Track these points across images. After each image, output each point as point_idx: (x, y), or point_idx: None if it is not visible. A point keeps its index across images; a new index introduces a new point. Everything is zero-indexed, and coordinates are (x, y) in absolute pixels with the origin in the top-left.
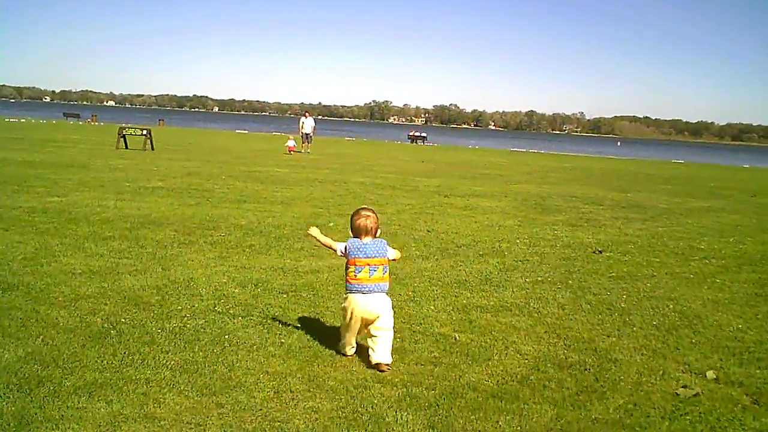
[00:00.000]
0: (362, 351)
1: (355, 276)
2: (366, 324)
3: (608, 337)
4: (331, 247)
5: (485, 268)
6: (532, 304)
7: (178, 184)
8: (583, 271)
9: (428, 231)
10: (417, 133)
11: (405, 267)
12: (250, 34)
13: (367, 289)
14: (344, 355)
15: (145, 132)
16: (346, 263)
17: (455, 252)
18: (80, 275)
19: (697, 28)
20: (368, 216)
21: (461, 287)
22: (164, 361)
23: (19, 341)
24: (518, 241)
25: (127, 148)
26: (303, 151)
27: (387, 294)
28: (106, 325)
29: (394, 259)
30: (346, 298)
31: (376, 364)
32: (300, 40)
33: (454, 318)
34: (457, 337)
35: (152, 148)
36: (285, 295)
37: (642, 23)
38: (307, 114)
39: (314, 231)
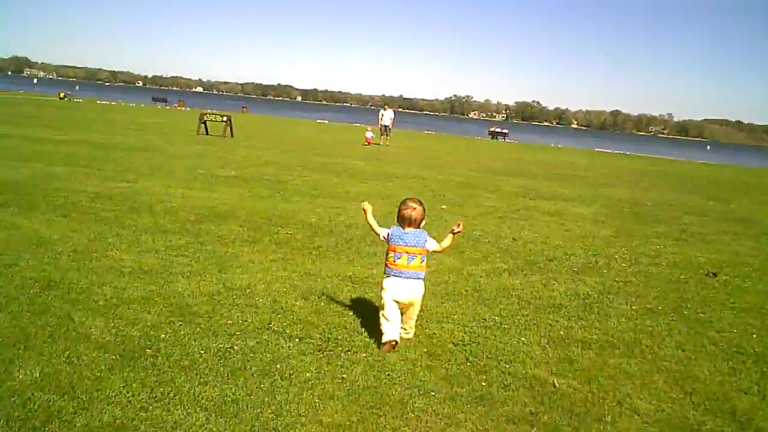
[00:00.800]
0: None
1: (394, 262)
2: (403, 307)
3: (746, 394)
4: (374, 231)
5: (582, 288)
6: (643, 341)
7: (252, 173)
8: (698, 299)
9: (514, 239)
10: (498, 129)
11: (489, 282)
12: (335, 26)
13: (404, 275)
14: (381, 346)
15: (225, 119)
16: (387, 248)
17: (545, 266)
18: (129, 274)
19: None
20: (414, 208)
21: (556, 313)
22: (200, 397)
23: (42, 357)
24: (617, 256)
25: (207, 134)
26: (382, 143)
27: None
28: (142, 341)
29: (436, 251)
30: (384, 282)
31: (391, 341)
32: (383, 33)
33: (550, 355)
34: (557, 384)
35: (231, 135)
36: (352, 313)
37: (734, 22)
38: (387, 106)
39: (368, 207)
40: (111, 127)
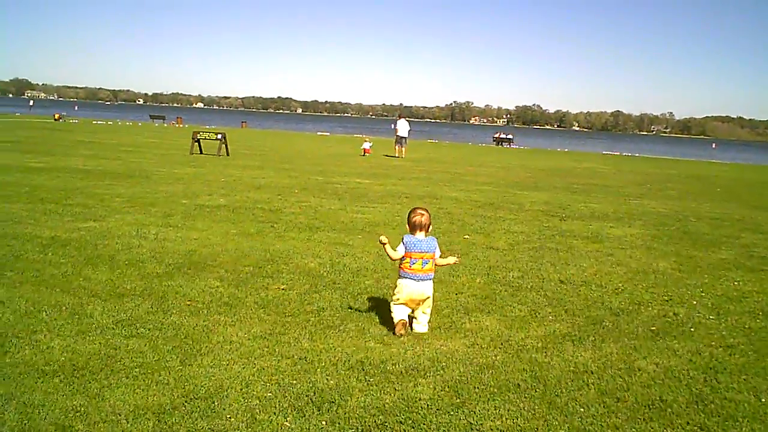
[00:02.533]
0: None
1: (410, 267)
2: (417, 304)
3: None
4: (393, 258)
5: (676, 365)
6: None
7: (243, 201)
8: None
9: (561, 282)
10: (502, 135)
11: (551, 361)
12: (334, 37)
13: (419, 278)
14: (394, 331)
15: (219, 136)
16: (402, 255)
17: (614, 325)
18: (51, 377)
19: None
20: (423, 214)
21: (659, 418)
22: None
23: None
24: (695, 302)
25: (201, 153)
26: (398, 155)
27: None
28: None
29: (444, 264)
30: (399, 283)
31: (417, 333)
32: (382, 42)
33: None
34: None
35: (227, 153)
36: None
37: (731, 19)
38: (401, 116)
39: (385, 240)
40: (100, 149)
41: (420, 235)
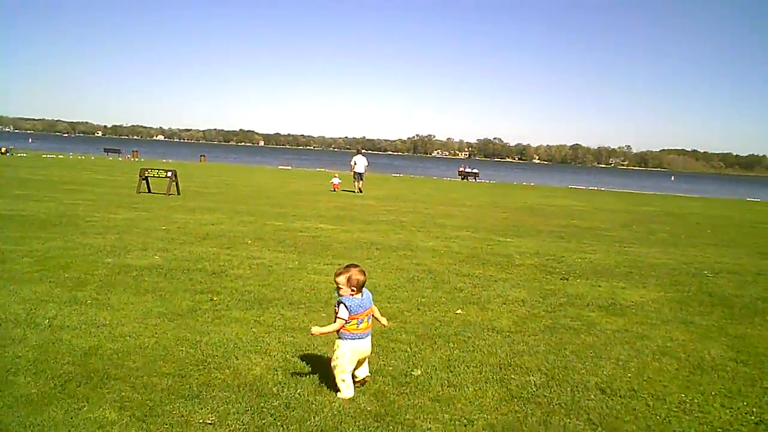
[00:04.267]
0: None
1: (357, 327)
2: (361, 362)
3: None
4: (336, 330)
5: None
6: None
7: (182, 258)
8: None
9: (602, 392)
10: (468, 170)
11: None
12: (296, 70)
13: (365, 335)
14: (348, 395)
15: (169, 173)
16: (347, 319)
17: None
18: None
19: (745, 57)
20: (362, 270)
21: None
22: None
23: None
24: None
25: (149, 191)
26: (355, 190)
27: None
28: None
29: (377, 318)
30: (345, 345)
31: (362, 379)
32: (344, 75)
33: None
34: None
35: (177, 192)
36: None
37: (687, 55)
38: (359, 151)
39: (316, 330)
40: (36, 188)
41: (360, 294)
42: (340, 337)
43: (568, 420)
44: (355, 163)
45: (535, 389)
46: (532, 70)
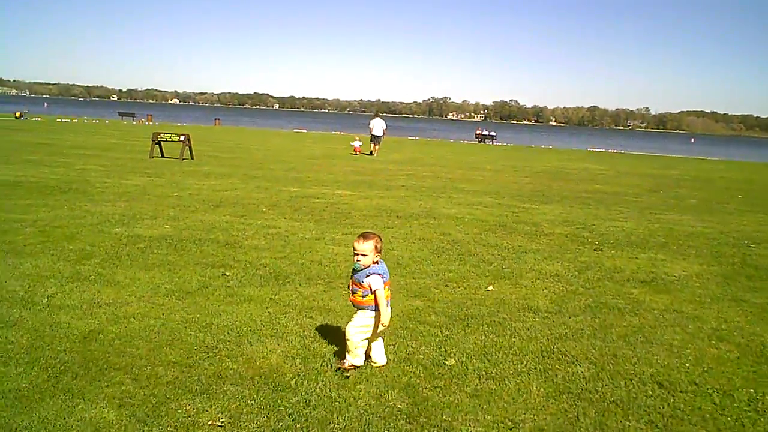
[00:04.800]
0: None
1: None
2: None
3: None
4: (385, 307)
5: None
6: None
7: (194, 228)
8: None
9: (660, 386)
10: (485, 132)
11: None
12: (312, 32)
13: (388, 304)
14: (360, 363)
15: (182, 138)
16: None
17: None
18: None
19: (766, 16)
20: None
21: None
22: None
23: None
24: None
25: (162, 156)
26: (372, 153)
27: None
28: None
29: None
30: (371, 317)
31: (378, 366)
32: (359, 37)
33: None
34: None
35: (191, 157)
36: None
37: (707, 16)
38: (376, 114)
39: (386, 321)
40: (48, 153)
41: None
42: (366, 308)
43: (627, 422)
44: (373, 126)
45: (584, 383)
46: (549, 31)
